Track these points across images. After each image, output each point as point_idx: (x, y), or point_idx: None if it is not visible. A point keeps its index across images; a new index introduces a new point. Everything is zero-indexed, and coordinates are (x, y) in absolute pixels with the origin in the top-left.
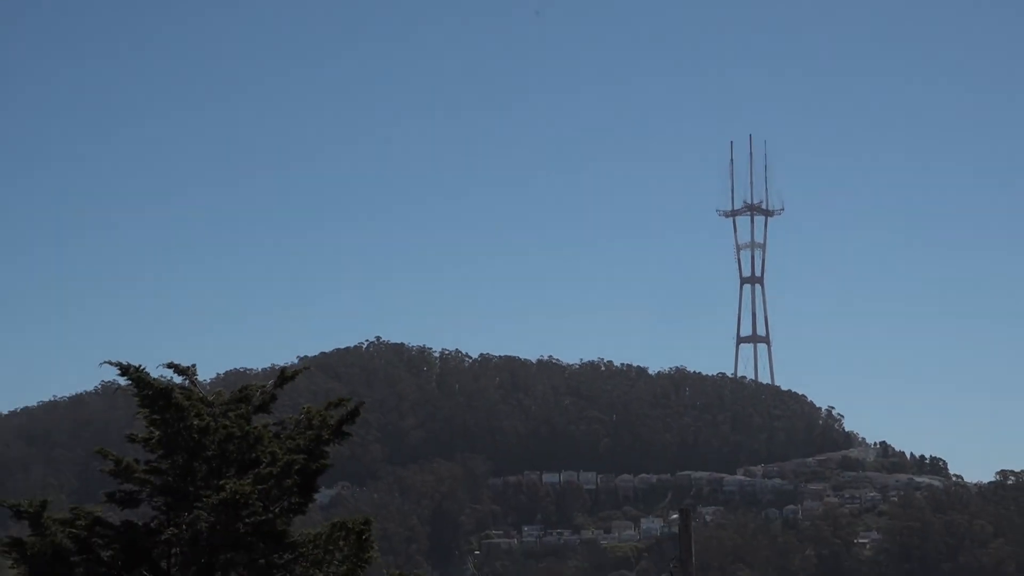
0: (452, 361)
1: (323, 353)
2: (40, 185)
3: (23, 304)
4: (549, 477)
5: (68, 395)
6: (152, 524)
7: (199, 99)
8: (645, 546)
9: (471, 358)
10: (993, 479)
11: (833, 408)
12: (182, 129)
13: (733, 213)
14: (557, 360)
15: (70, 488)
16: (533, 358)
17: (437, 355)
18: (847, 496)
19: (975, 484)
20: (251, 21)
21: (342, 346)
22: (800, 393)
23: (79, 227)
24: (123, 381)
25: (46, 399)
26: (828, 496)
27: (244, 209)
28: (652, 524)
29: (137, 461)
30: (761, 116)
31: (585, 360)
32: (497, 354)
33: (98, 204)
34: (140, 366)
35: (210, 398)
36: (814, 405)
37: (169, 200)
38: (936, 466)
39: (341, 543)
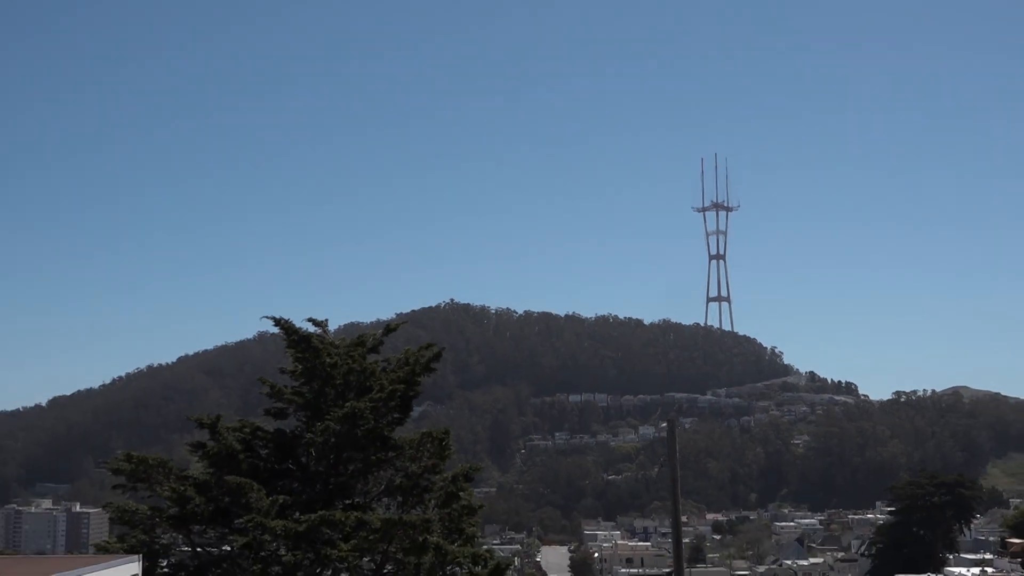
0: (504, 316)
1: (413, 310)
2: (197, 181)
3: (201, 274)
4: (574, 397)
5: (235, 340)
6: (296, 431)
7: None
8: (642, 446)
9: (518, 313)
10: (890, 397)
11: (776, 347)
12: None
13: (703, 209)
14: (579, 315)
15: (236, 407)
16: (562, 313)
17: (494, 311)
18: (786, 410)
19: (877, 401)
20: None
21: (427, 305)
22: (752, 337)
23: (241, 218)
24: (275, 330)
25: (219, 343)
26: (772, 410)
27: (361, 210)
28: (647, 431)
29: (286, 387)
30: (724, 135)
31: (599, 314)
32: (536, 310)
33: (249, 200)
34: (288, 319)
35: (337, 342)
36: (762, 345)
37: (308, 195)
38: (850, 388)
39: (428, 446)
